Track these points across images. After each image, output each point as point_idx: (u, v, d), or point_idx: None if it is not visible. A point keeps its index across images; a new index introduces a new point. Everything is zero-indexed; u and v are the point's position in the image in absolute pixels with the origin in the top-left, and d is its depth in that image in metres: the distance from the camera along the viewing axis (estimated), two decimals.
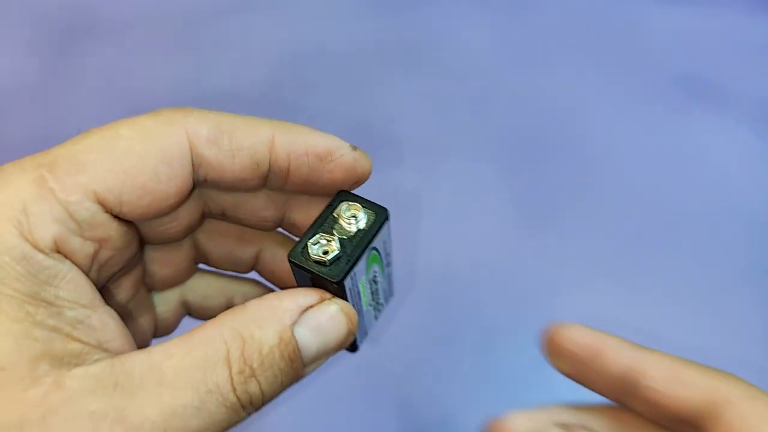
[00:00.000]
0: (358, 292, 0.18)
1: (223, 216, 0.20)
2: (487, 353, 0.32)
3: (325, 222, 0.18)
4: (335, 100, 0.45)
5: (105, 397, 0.14)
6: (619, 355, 0.17)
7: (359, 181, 0.19)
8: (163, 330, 0.22)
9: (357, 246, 0.17)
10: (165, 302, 0.22)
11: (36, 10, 0.54)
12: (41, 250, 0.15)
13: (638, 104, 0.45)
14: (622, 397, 0.17)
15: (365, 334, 0.21)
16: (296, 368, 0.15)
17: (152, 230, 0.19)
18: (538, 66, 0.48)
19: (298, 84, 0.47)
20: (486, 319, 0.33)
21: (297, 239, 0.18)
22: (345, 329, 0.17)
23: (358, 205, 0.18)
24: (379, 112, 0.44)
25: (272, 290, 0.23)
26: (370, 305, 0.20)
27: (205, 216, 0.20)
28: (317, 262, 0.17)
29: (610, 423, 0.18)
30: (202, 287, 0.22)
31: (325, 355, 0.17)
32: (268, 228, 0.21)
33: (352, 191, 0.19)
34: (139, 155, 0.16)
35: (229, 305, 0.22)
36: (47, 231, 0.15)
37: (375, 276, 0.19)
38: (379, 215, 0.18)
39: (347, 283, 0.17)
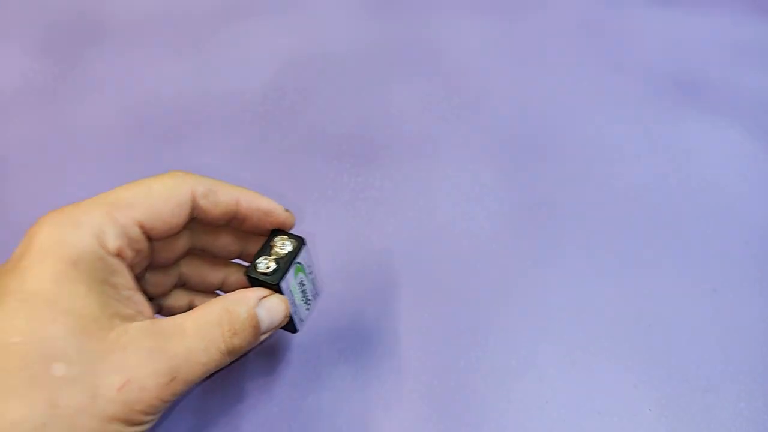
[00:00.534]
0: (291, 291, 0.26)
1: (202, 251, 0.27)
2: (485, 353, 0.31)
3: (265, 249, 0.25)
4: (335, 101, 0.45)
5: (152, 339, 0.20)
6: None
7: (286, 227, 0.27)
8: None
9: (286, 262, 0.25)
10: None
11: (46, 14, 0.54)
12: (110, 254, 0.21)
13: (632, 105, 0.44)
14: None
15: (301, 320, 0.28)
16: (257, 333, 0.24)
17: (158, 255, 0.25)
18: (533, 68, 0.47)
19: (300, 86, 0.46)
20: (481, 318, 0.32)
21: (248, 264, 0.26)
22: (283, 312, 0.25)
23: (286, 237, 0.26)
24: (379, 113, 0.44)
25: None
26: (302, 300, 0.27)
27: (189, 252, 0.27)
28: (263, 273, 0.24)
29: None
30: (173, 299, 0.28)
31: (273, 327, 0.25)
32: (233, 257, 0.28)
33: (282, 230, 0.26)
34: (164, 201, 0.23)
35: (190, 307, 0.28)
36: (113, 242, 0.21)
37: (302, 281, 0.27)
38: (300, 242, 0.26)
39: (283, 284, 0.25)
